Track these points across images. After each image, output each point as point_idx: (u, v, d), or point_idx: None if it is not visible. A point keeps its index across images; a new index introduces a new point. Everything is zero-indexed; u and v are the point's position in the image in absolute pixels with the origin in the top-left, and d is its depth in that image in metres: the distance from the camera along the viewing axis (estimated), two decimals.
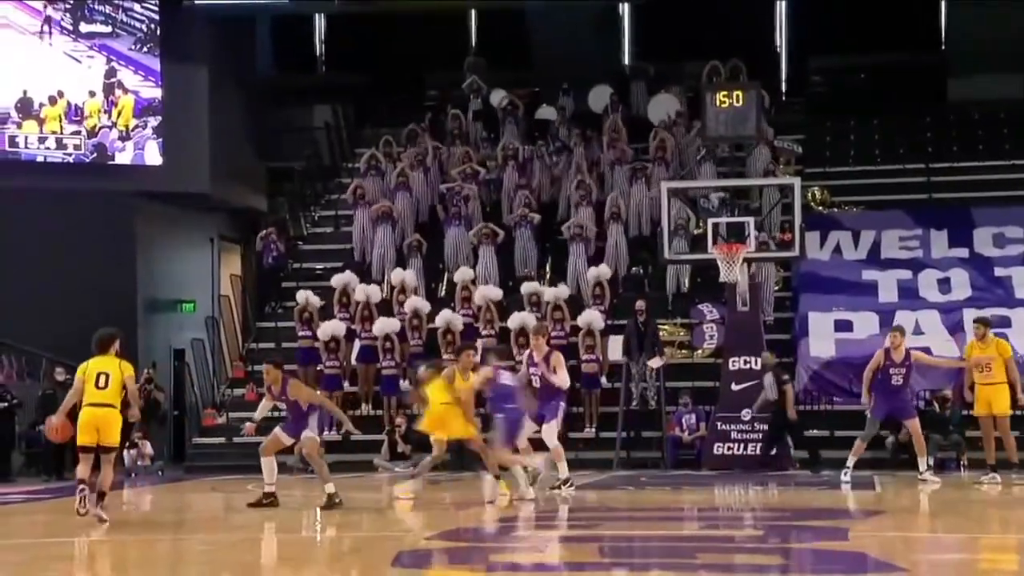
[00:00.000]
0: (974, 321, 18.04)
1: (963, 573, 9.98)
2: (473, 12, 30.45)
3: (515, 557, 10.89)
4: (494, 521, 13.38)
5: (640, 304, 21.71)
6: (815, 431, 20.75)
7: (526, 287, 22.71)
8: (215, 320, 25.64)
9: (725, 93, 21.24)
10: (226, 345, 25.07)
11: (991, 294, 22.36)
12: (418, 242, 24.23)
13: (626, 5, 29.79)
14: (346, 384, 22.50)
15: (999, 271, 22.82)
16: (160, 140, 24.66)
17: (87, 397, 13.00)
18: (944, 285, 22.73)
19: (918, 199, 24.97)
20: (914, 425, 17.31)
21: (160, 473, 21.92)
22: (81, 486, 12.97)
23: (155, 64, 24.86)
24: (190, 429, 24.43)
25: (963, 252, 23.42)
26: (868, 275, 23.19)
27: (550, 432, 15.59)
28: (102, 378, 12.99)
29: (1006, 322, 21.47)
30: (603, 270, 22.89)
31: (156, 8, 24.89)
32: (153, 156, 24.76)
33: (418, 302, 22.71)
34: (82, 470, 13.08)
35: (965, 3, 26.80)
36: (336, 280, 23.41)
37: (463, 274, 23.16)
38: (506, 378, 15.23)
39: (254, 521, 13.61)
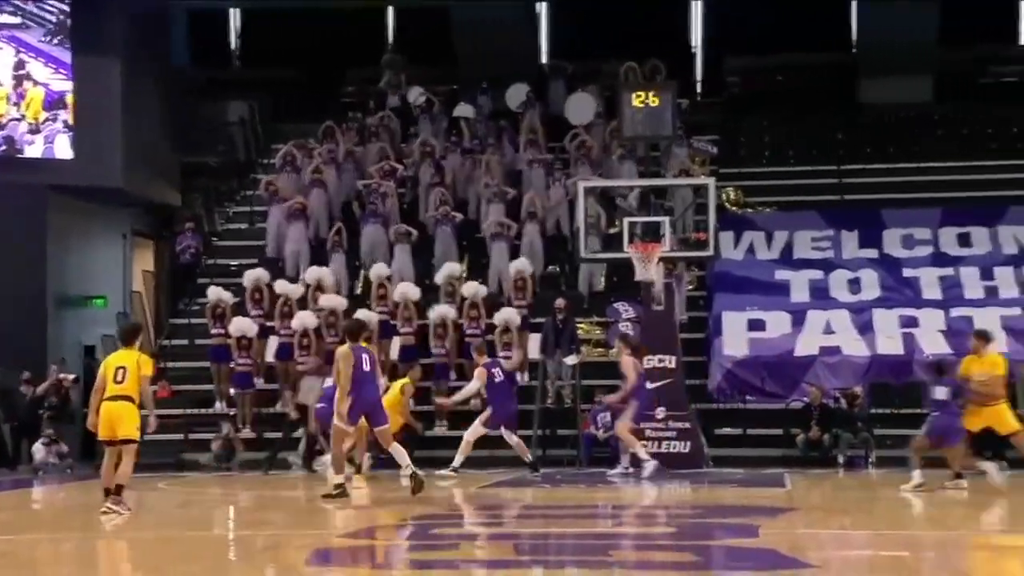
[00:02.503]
0: (974, 335, 16.67)
1: (871, 569, 10.14)
2: (391, 9, 30.36)
3: (430, 555, 10.88)
4: (410, 519, 13.36)
5: (560, 302, 21.82)
6: (728, 429, 20.99)
7: (444, 271, 22.66)
8: (126, 316, 25.30)
9: (641, 93, 21.38)
10: (138, 341, 24.65)
11: (900, 294, 22.75)
12: (340, 237, 24.11)
13: (544, 4, 29.89)
14: (260, 381, 22.32)
15: (908, 272, 23.23)
16: (71, 134, 24.27)
17: (106, 391, 13.26)
18: (854, 285, 23.09)
19: (830, 200, 25.33)
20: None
21: (69, 471, 21.59)
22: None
23: (66, 56, 24.44)
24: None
25: (873, 253, 23.81)
26: (781, 275, 23.48)
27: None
28: (119, 372, 13.27)
29: (913, 322, 21.88)
30: (524, 264, 22.94)
31: (67, 0, 24.47)
32: (64, 150, 24.36)
33: (334, 299, 22.59)
34: (106, 465, 13.46)
35: (875, 5, 27.19)
36: (248, 276, 23.21)
37: (379, 271, 23.09)
38: (499, 373, 17.23)
39: (171, 519, 13.45)
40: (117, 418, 13.22)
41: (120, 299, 25.91)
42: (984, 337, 16.18)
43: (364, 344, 15.01)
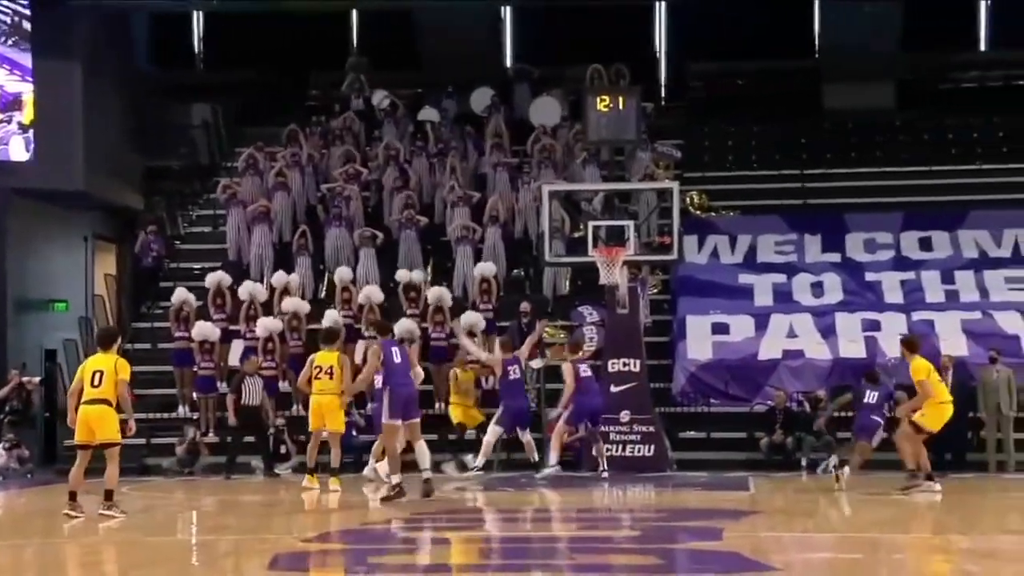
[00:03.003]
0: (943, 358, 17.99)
1: (833, 572, 10.20)
2: (355, 12, 30.30)
3: (393, 559, 10.85)
4: (374, 523, 13.32)
5: (524, 306, 21.84)
6: (692, 432, 21.05)
7: (401, 276, 22.59)
8: (88, 320, 25.12)
9: (606, 97, 21.42)
10: (115, 345, 24.46)
11: (862, 298, 22.88)
12: (304, 240, 24.04)
13: (508, 8, 29.91)
14: (223, 386, 22.19)
15: (870, 276, 23.36)
16: (26, 135, 24.07)
17: (84, 395, 13.23)
18: (817, 289, 23.21)
19: (793, 205, 25.45)
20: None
21: (30, 476, 21.42)
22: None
23: (22, 58, 24.21)
24: (62, 431, 23.85)
25: (836, 257, 23.94)
26: (744, 279, 23.58)
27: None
28: (97, 376, 13.24)
29: (876, 326, 22.01)
30: (488, 267, 22.92)
31: (25, 2, 24.27)
32: (19, 152, 24.14)
33: (298, 302, 22.52)
34: (76, 469, 13.37)
35: (838, 12, 27.33)
36: (210, 280, 23.08)
37: (343, 275, 23.02)
38: (515, 371, 17.62)
39: (133, 524, 13.35)
40: (96, 421, 13.20)
41: (82, 303, 25.71)
42: (906, 345, 16.32)
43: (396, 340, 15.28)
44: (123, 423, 13.57)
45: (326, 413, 16.63)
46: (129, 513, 13.76)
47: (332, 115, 27.44)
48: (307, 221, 24.99)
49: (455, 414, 20.58)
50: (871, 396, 17.30)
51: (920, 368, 15.52)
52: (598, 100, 21.36)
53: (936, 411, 15.45)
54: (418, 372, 15.95)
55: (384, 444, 15.07)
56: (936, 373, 15.87)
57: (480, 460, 18.57)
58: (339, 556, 11.10)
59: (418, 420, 14.90)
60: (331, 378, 16.58)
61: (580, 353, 19.32)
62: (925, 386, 15.38)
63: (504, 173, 25.12)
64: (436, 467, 16.50)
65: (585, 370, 19.09)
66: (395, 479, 14.67)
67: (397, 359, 14.68)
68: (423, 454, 14.78)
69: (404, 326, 21.37)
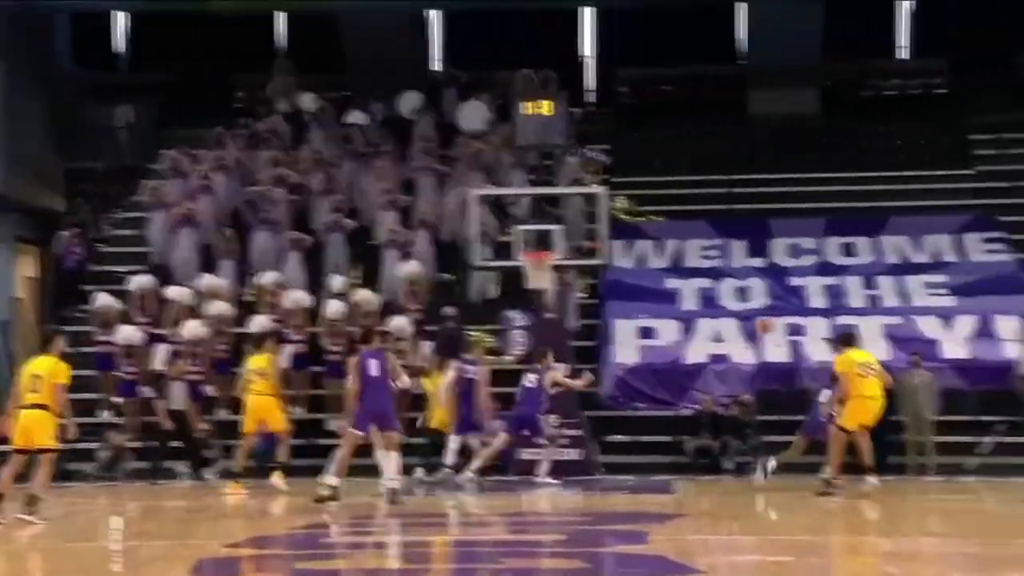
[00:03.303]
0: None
1: (758, 574, 10.29)
2: (282, 14, 30.09)
3: (317, 565, 10.78)
4: (299, 528, 13.23)
5: (449, 310, 21.80)
6: (619, 436, 21.13)
7: (333, 285, 22.46)
8: (8, 324, 24.70)
9: (534, 102, 21.46)
10: (21, 350, 24.14)
11: (787, 303, 23.10)
12: (229, 244, 23.84)
13: (436, 12, 29.87)
14: (146, 390, 21.91)
15: (794, 281, 23.59)
16: None
17: (23, 399, 13.11)
18: (743, 294, 23.40)
19: (719, 210, 25.64)
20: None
21: None
22: None
23: None
24: None
25: (761, 262, 24.15)
26: (671, 283, 23.72)
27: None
28: (34, 380, 13.10)
29: (800, 330, 22.23)
30: (415, 268, 22.86)
31: None
32: None
33: (222, 307, 22.33)
34: (9, 471, 13.22)
35: (762, 20, 27.58)
36: (134, 283, 22.81)
37: (269, 278, 22.86)
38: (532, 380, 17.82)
39: (54, 530, 13.16)
40: (34, 427, 12.99)
41: (2, 306, 25.30)
42: (838, 339, 16.64)
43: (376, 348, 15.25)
44: (63, 427, 13.35)
45: (265, 415, 16.74)
46: (50, 519, 13.55)
47: (258, 118, 27.23)
48: (232, 225, 24.78)
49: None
50: (824, 395, 17.18)
51: (840, 362, 15.69)
52: (526, 105, 21.38)
53: (853, 407, 15.45)
54: (403, 380, 16.04)
55: (343, 447, 15.26)
56: (869, 368, 15.71)
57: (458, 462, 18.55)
58: (263, 562, 11.01)
59: (394, 433, 15.04)
60: (265, 380, 16.70)
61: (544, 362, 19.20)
62: (841, 380, 15.53)
63: (432, 177, 25.08)
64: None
65: (531, 380, 19.09)
66: (333, 482, 14.63)
67: (373, 371, 14.85)
68: (392, 464, 14.86)
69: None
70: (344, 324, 21.87)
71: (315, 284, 23.25)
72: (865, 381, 15.36)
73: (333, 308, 21.97)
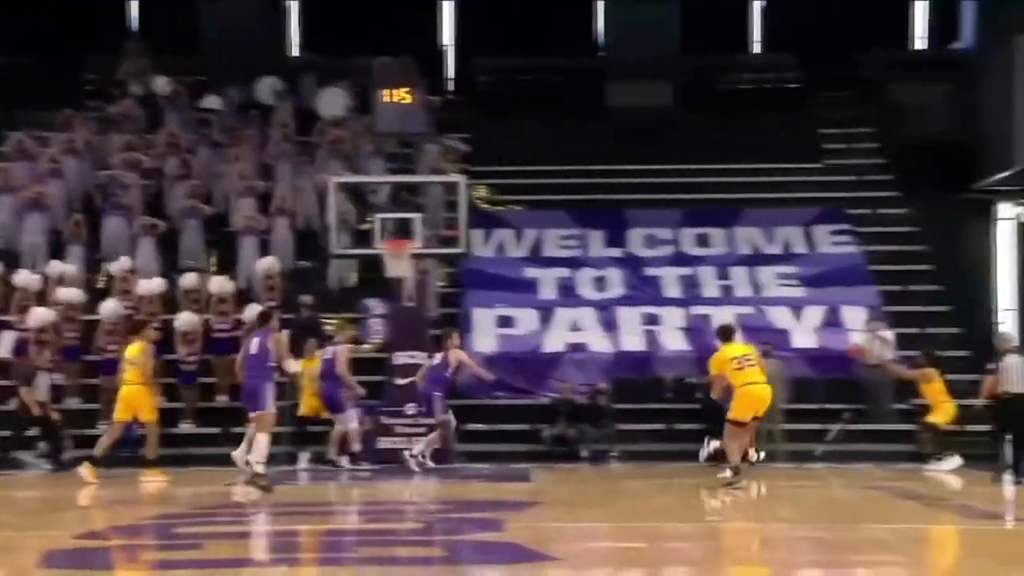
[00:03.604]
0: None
1: (612, 561, 10.42)
2: None
3: (170, 555, 10.62)
4: (150, 519, 13.00)
5: (306, 298, 21.62)
6: (477, 425, 21.20)
7: (185, 280, 22.05)
8: None
9: (393, 90, 21.37)
10: None
11: (643, 292, 23.42)
12: (79, 229, 23.27)
13: None
14: None
15: (650, 271, 23.93)
16: None
17: None
18: (600, 283, 23.65)
19: (577, 200, 25.85)
20: None
21: None
22: None
23: None
24: None
25: (618, 252, 24.43)
26: (530, 272, 23.87)
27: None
28: None
29: (656, 319, 22.58)
30: (271, 262, 22.64)
31: None
32: None
33: (73, 292, 21.81)
34: None
35: (620, 13, 27.83)
36: None
37: (122, 264, 22.39)
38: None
39: None
40: None
41: None
42: (717, 333, 16.74)
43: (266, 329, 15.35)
44: None
45: (137, 404, 16.47)
46: None
47: (110, 100, 26.61)
48: (83, 209, 24.20)
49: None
50: None
51: (714, 362, 15.78)
52: (385, 92, 21.28)
53: (739, 399, 15.55)
54: (289, 364, 15.98)
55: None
56: (746, 360, 15.83)
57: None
58: (113, 553, 10.79)
59: (262, 413, 14.96)
60: (136, 369, 16.47)
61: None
62: (719, 379, 15.71)
63: (290, 164, 24.81)
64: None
65: (436, 358, 19.10)
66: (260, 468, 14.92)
67: (252, 350, 15.04)
68: (262, 447, 14.83)
69: (185, 319, 21.01)
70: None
71: (170, 270, 22.86)
72: (744, 372, 15.39)
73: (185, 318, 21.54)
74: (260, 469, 14.99)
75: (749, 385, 15.32)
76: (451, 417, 19.06)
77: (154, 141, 25.49)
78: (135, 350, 16.77)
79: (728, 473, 15.51)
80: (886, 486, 16.65)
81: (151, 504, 13.99)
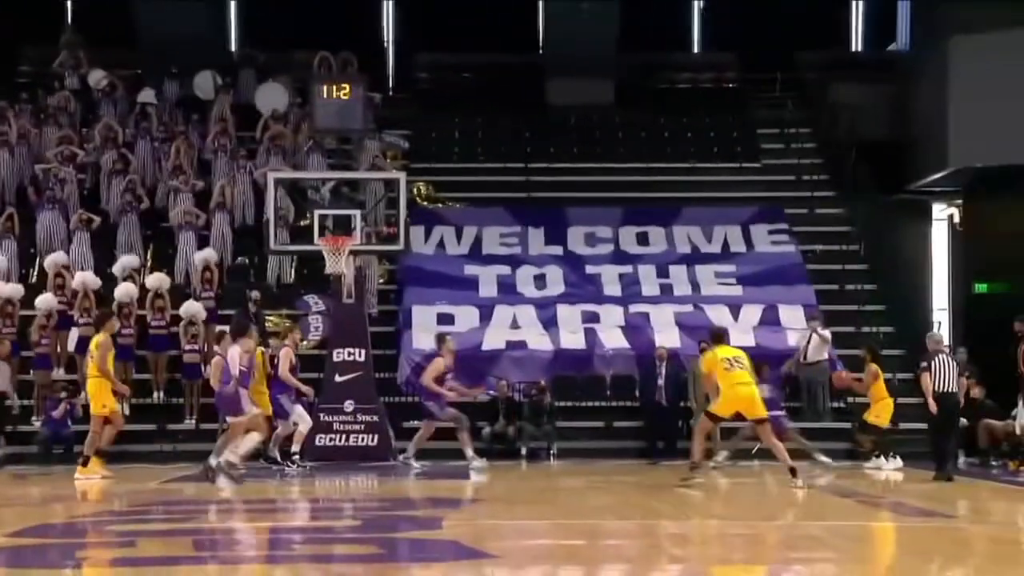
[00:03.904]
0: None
1: (550, 558, 10.43)
2: None
3: (103, 553, 10.50)
4: (85, 516, 12.85)
5: (254, 293, 21.57)
6: (416, 422, 21.13)
7: (121, 291, 21.71)
8: None
9: (333, 85, 21.26)
10: None
11: (583, 290, 23.49)
12: (11, 223, 22.96)
13: None
14: None
15: (590, 269, 24.00)
16: None
17: None
18: (540, 281, 23.69)
19: (518, 197, 25.89)
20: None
21: None
22: None
23: None
24: None
25: (558, 250, 24.49)
26: (470, 270, 23.86)
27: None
28: None
29: (595, 318, 22.64)
30: (210, 253, 22.48)
31: None
32: None
33: (9, 287, 21.57)
34: None
35: (560, 10, 27.87)
36: None
37: (56, 259, 22.14)
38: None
39: None
40: None
41: None
42: (710, 336, 16.92)
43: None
44: None
45: (90, 397, 16.79)
46: None
47: (46, 92, 26.27)
48: (16, 203, 23.88)
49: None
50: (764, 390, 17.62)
51: (706, 361, 16.01)
52: (325, 88, 21.17)
53: (726, 397, 15.74)
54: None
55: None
56: (736, 362, 15.98)
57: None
58: (43, 552, 10.65)
59: (238, 420, 16.04)
60: (92, 362, 16.45)
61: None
62: (710, 378, 15.88)
63: (229, 159, 24.63)
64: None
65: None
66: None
67: (239, 363, 16.02)
68: (248, 444, 16.09)
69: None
70: (134, 307, 21.37)
71: (106, 265, 22.62)
72: (733, 373, 15.63)
73: (123, 290, 21.41)
74: (235, 459, 15.74)
75: (738, 385, 15.63)
76: (456, 414, 18.77)
77: (90, 135, 25.21)
78: (94, 343, 16.81)
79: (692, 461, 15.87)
80: (822, 484, 16.80)
81: (85, 502, 13.81)
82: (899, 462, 18.79)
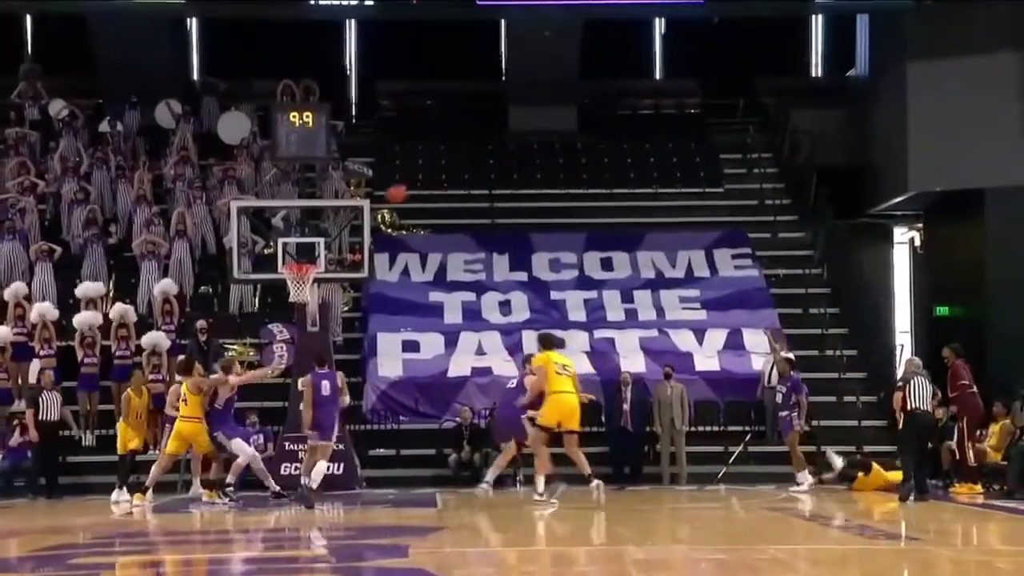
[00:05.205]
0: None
1: None
2: (29, 16, 28.89)
3: None
4: (45, 549, 12.72)
5: (201, 323, 21.41)
6: (381, 450, 21.10)
7: (79, 319, 21.53)
8: None
9: (295, 113, 21.23)
10: None
11: (547, 316, 23.50)
12: None
13: (194, 20, 29.20)
14: None
15: (555, 295, 24.03)
16: None
17: None
18: (505, 307, 23.69)
19: (482, 224, 25.92)
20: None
21: None
22: None
23: None
24: None
25: (522, 276, 24.51)
26: (435, 296, 23.84)
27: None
28: None
29: (561, 343, 22.61)
30: (169, 285, 22.38)
31: None
32: None
33: None
34: None
35: (522, 38, 27.97)
36: None
37: (17, 290, 21.98)
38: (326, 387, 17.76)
39: None
40: None
41: None
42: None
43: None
44: None
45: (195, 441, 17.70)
46: None
47: (4, 124, 26.13)
48: None
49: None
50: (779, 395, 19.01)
51: (539, 359, 16.17)
52: (287, 116, 21.14)
53: (549, 405, 15.85)
54: (345, 400, 18.20)
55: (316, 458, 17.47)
56: (566, 369, 16.06)
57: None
58: None
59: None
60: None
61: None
62: (537, 375, 15.99)
63: (190, 188, 24.55)
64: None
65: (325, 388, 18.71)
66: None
67: (325, 391, 17.37)
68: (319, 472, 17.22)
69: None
70: (98, 336, 21.25)
71: (68, 297, 22.48)
72: (560, 378, 15.81)
73: (81, 319, 21.28)
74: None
75: (562, 392, 15.83)
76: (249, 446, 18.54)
77: (50, 165, 25.09)
78: (184, 390, 17.34)
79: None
80: (786, 507, 16.85)
81: (48, 534, 13.67)
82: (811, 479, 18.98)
